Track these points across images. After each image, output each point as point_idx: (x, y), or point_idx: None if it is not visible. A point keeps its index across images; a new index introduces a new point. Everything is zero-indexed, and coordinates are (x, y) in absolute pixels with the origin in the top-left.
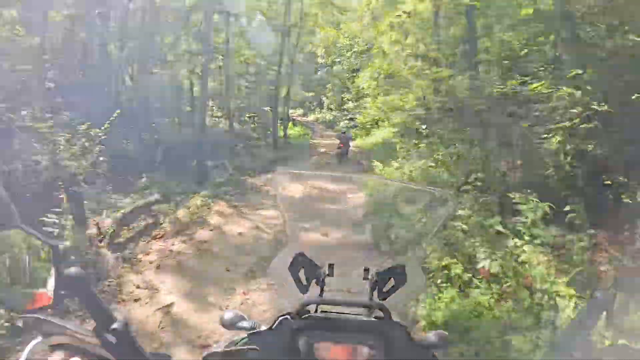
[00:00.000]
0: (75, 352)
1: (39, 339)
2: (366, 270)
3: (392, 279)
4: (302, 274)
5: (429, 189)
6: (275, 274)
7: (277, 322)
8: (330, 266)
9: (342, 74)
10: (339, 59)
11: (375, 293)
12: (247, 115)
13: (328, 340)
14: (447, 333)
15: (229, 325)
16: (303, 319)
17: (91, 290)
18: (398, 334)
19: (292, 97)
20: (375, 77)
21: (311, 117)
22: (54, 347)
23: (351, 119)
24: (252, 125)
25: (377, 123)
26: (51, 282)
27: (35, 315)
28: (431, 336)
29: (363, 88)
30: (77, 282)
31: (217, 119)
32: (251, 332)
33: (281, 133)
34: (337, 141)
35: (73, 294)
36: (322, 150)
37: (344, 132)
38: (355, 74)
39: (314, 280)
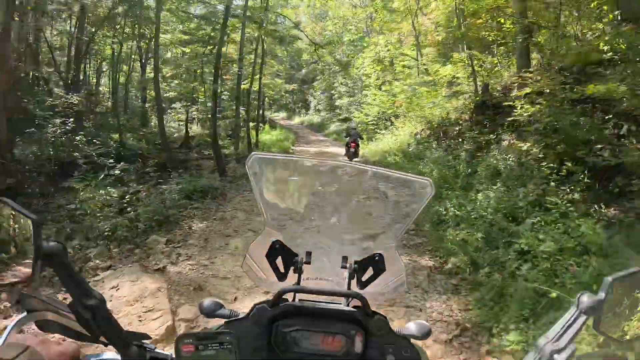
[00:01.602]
0: (59, 329)
1: (24, 314)
2: (344, 258)
3: (370, 267)
4: (279, 262)
5: (408, 175)
6: (252, 261)
7: (253, 310)
8: (308, 254)
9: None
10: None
11: (354, 282)
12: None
13: (305, 329)
14: (428, 324)
15: (208, 313)
16: (280, 307)
17: (69, 265)
18: (376, 323)
19: (268, 95)
20: (381, 61)
21: (296, 120)
22: (39, 323)
23: (345, 119)
24: (206, 131)
25: (382, 121)
26: (30, 256)
27: (22, 292)
28: (412, 326)
29: (365, 75)
30: (56, 257)
31: (180, 123)
32: (228, 319)
33: (263, 137)
34: (329, 150)
35: (50, 267)
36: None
37: (355, 128)
38: (348, 67)
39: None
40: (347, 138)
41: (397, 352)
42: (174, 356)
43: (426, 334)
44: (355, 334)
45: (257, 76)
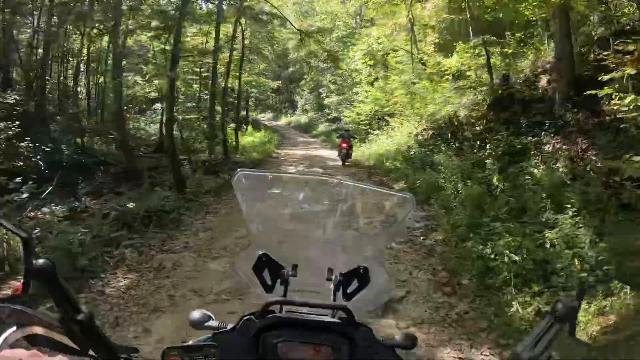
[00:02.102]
0: (47, 344)
1: (14, 328)
2: (330, 270)
3: (355, 280)
4: (266, 274)
5: (390, 191)
6: (239, 274)
7: (241, 322)
8: (294, 267)
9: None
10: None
11: (339, 294)
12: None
13: (292, 341)
14: (415, 334)
15: (197, 324)
16: (267, 319)
17: (58, 281)
18: (362, 334)
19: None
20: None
21: (283, 121)
22: (27, 338)
23: (335, 119)
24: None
25: (376, 121)
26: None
27: (10, 306)
28: (398, 337)
29: (355, 71)
30: (45, 273)
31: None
32: (216, 331)
33: (246, 139)
34: (318, 153)
35: (41, 284)
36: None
37: (348, 130)
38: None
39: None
40: (339, 139)
41: None
42: None
43: (412, 344)
44: (341, 345)
45: (239, 73)
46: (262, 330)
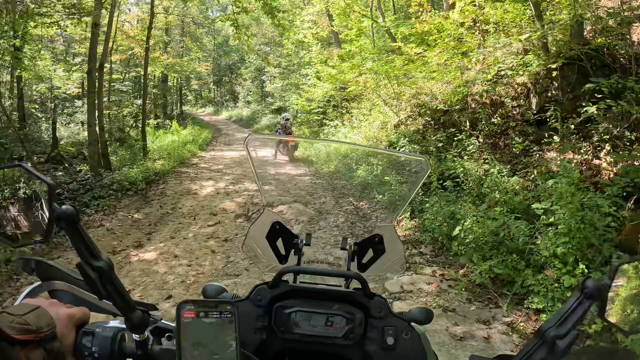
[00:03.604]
0: (70, 299)
1: (38, 282)
2: (344, 239)
3: (370, 249)
4: (280, 244)
5: (404, 153)
6: (252, 243)
7: (254, 291)
8: (308, 235)
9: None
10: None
11: (354, 264)
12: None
13: (305, 310)
14: (432, 310)
15: (210, 297)
16: (280, 288)
17: (80, 227)
18: (376, 305)
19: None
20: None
21: (223, 115)
22: (51, 292)
23: (279, 110)
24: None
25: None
26: (44, 218)
27: (37, 259)
28: (414, 310)
29: (304, 44)
30: (68, 219)
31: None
32: (230, 300)
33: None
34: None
35: (63, 229)
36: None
37: (288, 119)
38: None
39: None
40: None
41: (397, 334)
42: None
43: (428, 319)
44: (355, 315)
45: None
46: (275, 299)
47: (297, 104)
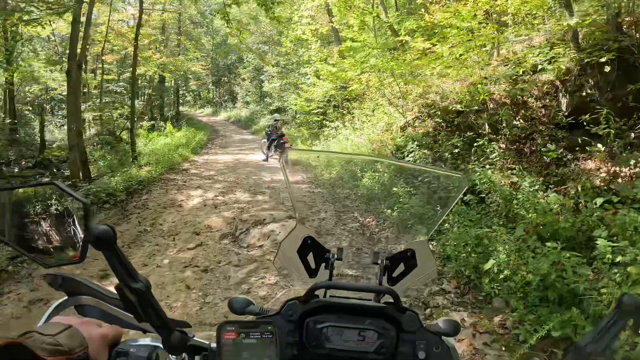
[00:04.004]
0: (96, 314)
1: (65, 297)
2: (376, 254)
3: (402, 263)
4: (310, 258)
5: (441, 170)
6: (283, 258)
7: (285, 307)
8: (340, 250)
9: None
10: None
11: (385, 278)
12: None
13: (336, 325)
14: (458, 320)
15: (237, 310)
16: (311, 303)
17: (117, 248)
18: (408, 319)
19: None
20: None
21: (222, 116)
22: (77, 307)
23: (278, 110)
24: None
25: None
26: (79, 238)
27: (64, 275)
28: (441, 322)
29: (303, 42)
30: (105, 240)
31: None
32: (260, 316)
33: (154, 146)
34: (250, 158)
35: (100, 250)
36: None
37: (277, 120)
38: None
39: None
40: (266, 140)
41: (429, 348)
42: (213, 345)
43: (456, 331)
44: (387, 329)
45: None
46: (306, 314)
47: (295, 104)
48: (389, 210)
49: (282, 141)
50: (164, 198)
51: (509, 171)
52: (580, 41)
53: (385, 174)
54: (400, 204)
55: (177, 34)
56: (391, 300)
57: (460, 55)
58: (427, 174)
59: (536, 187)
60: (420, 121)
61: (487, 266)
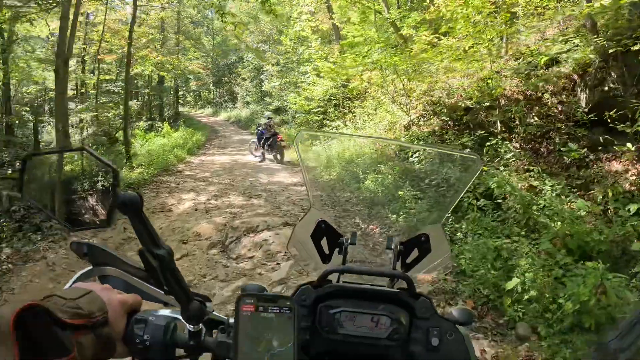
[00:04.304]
0: (121, 285)
1: (89, 267)
2: (390, 238)
3: (416, 248)
4: (324, 243)
5: (454, 151)
6: (297, 242)
7: (298, 291)
8: (354, 234)
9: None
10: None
11: (399, 264)
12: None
13: (349, 310)
14: (472, 310)
15: None
16: (324, 288)
17: (143, 214)
18: (422, 305)
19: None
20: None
21: (222, 116)
22: (101, 278)
23: (278, 110)
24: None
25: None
26: (107, 203)
27: (90, 243)
28: (455, 311)
29: (303, 40)
30: (132, 206)
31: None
32: (289, 296)
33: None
34: (245, 159)
35: (126, 215)
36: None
37: (271, 118)
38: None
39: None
40: (255, 141)
41: (442, 334)
42: (231, 320)
43: (470, 320)
44: (400, 315)
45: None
46: (320, 299)
47: (294, 103)
48: (394, 216)
49: (276, 140)
50: (153, 202)
51: (527, 173)
52: (598, 30)
53: (390, 176)
54: (406, 208)
55: (175, 33)
56: (405, 285)
57: (470, 47)
58: (442, 155)
59: (557, 191)
60: (425, 120)
61: (510, 285)
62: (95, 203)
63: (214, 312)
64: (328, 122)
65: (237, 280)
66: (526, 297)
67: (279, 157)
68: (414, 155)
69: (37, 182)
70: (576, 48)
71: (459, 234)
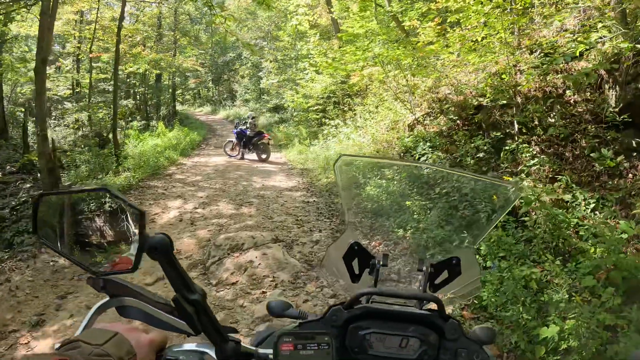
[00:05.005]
0: (140, 316)
1: (107, 298)
2: (421, 261)
3: (446, 270)
4: (355, 264)
5: (492, 179)
6: (329, 263)
7: (329, 312)
8: (385, 256)
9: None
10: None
11: (428, 285)
12: None
13: (380, 332)
14: (494, 328)
15: (276, 313)
16: (355, 309)
17: (174, 258)
18: (451, 328)
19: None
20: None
21: (221, 114)
22: (119, 309)
23: (276, 108)
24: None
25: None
26: (134, 247)
27: (106, 277)
28: (478, 330)
29: (300, 35)
30: (161, 249)
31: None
32: (303, 321)
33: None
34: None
35: (155, 260)
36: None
37: (254, 117)
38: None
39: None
40: (233, 140)
41: (469, 356)
42: (261, 351)
43: (492, 339)
44: (429, 337)
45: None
46: (350, 320)
47: (292, 101)
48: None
49: (262, 139)
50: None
51: (556, 184)
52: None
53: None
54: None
55: (172, 30)
56: (434, 307)
57: (483, 38)
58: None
59: (591, 205)
60: (431, 118)
61: (547, 334)
62: (120, 246)
63: (242, 344)
64: (327, 120)
65: (216, 314)
66: (564, 345)
67: (263, 156)
68: (421, 160)
69: (51, 221)
70: (601, 40)
71: (477, 257)
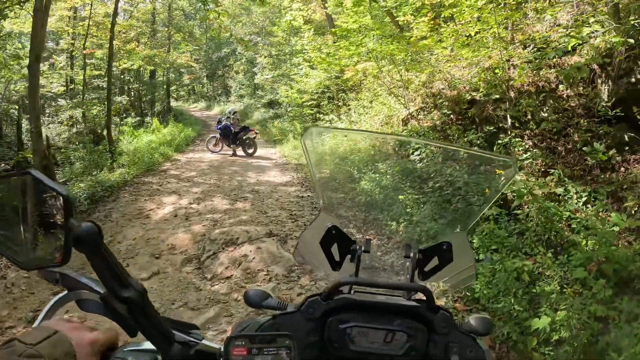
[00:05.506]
0: (99, 309)
1: (65, 292)
2: (408, 246)
3: (436, 257)
4: (334, 249)
5: (488, 153)
6: (304, 250)
7: (306, 304)
8: (367, 241)
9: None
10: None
11: (417, 273)
12: None
13: (362, 326)
14: (490, 317)
15: (253, 303)
16: (335, 300)
17: (104, 249)
18: (441, 320)
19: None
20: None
21: (215, 110)
22: (79, 302)
23: (271, 103)
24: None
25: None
26: (60, 237)
27: (59, 271)
28: (473, 321)
29: (294, 30)
30: (89, 239)
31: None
32: (278, 313)
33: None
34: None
35: (82, 252)
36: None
37: (236, 112)
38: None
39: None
40: (216, 136)
41: (462, 351)
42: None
43: (488, 329)
44: (417, 330)
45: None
46: (329, 313)
47: (286, 96)
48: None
49: (248, 133)
50: (131, 207)
51: (548, 177)
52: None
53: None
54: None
55: (166, 25)
56: (423, 297)
57: (477, 33)
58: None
59: (583, 198)
60: (425, 113)
61: (538, 325)
62: (48, 237)
63: (204, 342)
64: (321, 115)
65: (210, 308)
66: (555, 336)
67: (250, 150)
68: (415, 153)
69: None
70: (593, 34)
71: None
